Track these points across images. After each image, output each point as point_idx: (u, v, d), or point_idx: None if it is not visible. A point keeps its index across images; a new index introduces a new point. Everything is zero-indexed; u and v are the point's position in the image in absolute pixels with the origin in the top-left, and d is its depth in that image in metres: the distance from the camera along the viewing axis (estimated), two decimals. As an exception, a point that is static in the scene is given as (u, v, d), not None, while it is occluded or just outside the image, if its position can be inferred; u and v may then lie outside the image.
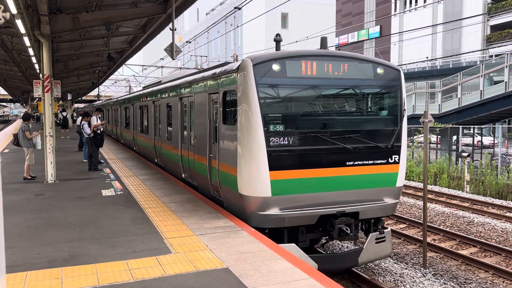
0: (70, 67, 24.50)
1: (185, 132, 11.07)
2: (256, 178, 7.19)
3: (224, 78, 8.20)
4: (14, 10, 9.00)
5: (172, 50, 13.10)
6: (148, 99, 16.13)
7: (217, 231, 6.98)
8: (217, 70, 8.73)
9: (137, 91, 21.86)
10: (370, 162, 7.85)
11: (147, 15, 14.30)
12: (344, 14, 61.65)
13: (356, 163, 7.74)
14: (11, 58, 20.41)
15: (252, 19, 26.18)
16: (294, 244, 7.33)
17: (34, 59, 17.10)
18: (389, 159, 8.03)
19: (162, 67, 44.47)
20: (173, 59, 13.89)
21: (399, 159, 8.10)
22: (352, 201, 7.78)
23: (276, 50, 8.44)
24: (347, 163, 7.68)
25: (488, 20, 51.34)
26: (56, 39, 15.67)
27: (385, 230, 8.40)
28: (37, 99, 38.99)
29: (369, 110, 8.36)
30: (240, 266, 5.49)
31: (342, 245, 10.65)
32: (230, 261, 5.65)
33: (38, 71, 19.73)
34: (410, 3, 61.12)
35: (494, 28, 51.44)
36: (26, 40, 12.82)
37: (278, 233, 7.50)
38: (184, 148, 11.06)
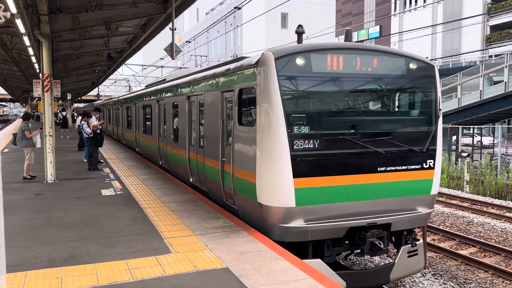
0: (70, 67, 24.51)
1: (194, 134, 10.39)
2: (278, 186, 6.45)
3: (240, 74, 7.47)
4: (14, 10, 9.00)
5: (172, 50, 13.09)
6: (152, 98, 15.41)
7: (217, 231, 6.98)
8: (232, 66, 7.98)
9: (139, 90, 20.97)
10: (403, 167, 7.09)
11: (147, 14, 14.30)
12: (344, 14, 61.61)
13: (388, 168, 6.98)
14: (11, 58, 20.41)
15: (252, 19, 26.20)
16: (319, 260, 6.61)
17: (33, 59, 17.11)
18: (424, 164, 7.25)
19: (162, 66, 44.49)
20: (173, 58, 13.89)
21: (434, 164, 7.33)
22: (384, 211, 7.03)
23: (298, 43, 7.60)
24: (378, 168, 6.92)
25: (488, 20, 51.35)
26: (56, 39, 15.66)
27: (417, 243, 7.61)
28: (36, 98, 38.99)
29: (402, 109, 7.71)
30: (239, 266, 5.49)
31: (365, 258, 10.09)
32: (230, 261, 5.65)
33: (37, 70, 19.73)
34: (410, 3, 61.13)
35: (493, 28, 51.45)
36: (26, 39, 12.82)
37: (300, 247, 6.77)
38: (193, 151, 10.36)
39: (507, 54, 22.86)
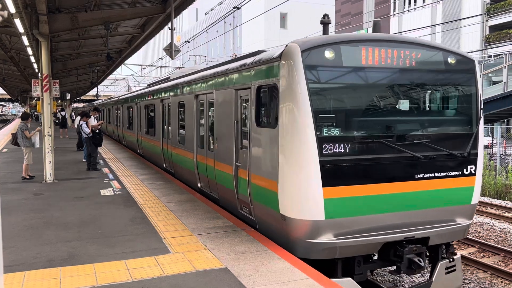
0: (69, 67, 24.51)
1: (202, 135, 9.66)
2: (305, 196, 5.78)
3: (258, 69, 6.74)
4: (12, 9, 8.99)
5: (171, 50, 13.08)
6: (155, 97, 14.68)
7: (216, 231, 6.98)
8: (248, 61, 7.26)
9: (141, 89, 19.98)
10: (442, 174, 6.41)
11: (146, 14, 14.30)
12: (343, 14, 61.66)
13: (426, 175, 6.29)
14: (10, 58, 20.38)
15: (251, 19, 26.21)
16: (349, 279, 6.02)
17: (32, 59, 17.09)
18: (464, 170, 6.56)
19: (161, 66, 44.48)
20: (172, 58, 13.88)
21: (475, 170, 6.64)
22: (421, 223, 6.35)
23: (324, 34, 6.96)
24: (416, 175, 6.23)
25: (487, 21, 51.41)
26: (55, 39, 15.66)
27: (454, 257, 6.92)
28: (35, 98, 38.93)
29: (440, 109, 6.94)
30: (238, 266, 5.49)
31: (389, 271, 9.64)
32: (229, 261, 5.65)
33: (36, 70, 19.72)
34: (409, 3, 61.19)
35: (493, 28, 51.50)
36: (25, 39, 12.81)
37: (327, 264, 6.12)
38: (201, 154, 9.63)
39: (506, 54, 22.89)
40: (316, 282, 4.99)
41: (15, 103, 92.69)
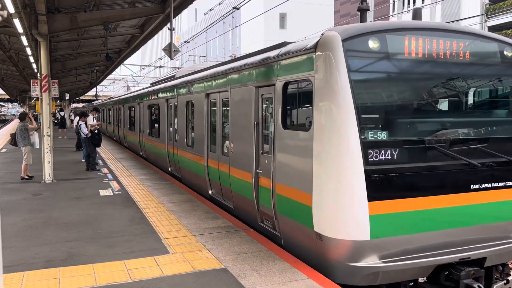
0: (68, 67, 24.51)
1: (215, 138, 8.88)
2: (346, 212, 4.97)
3: (286, 63, 5.95)
4: (12, 9, 8.98)
5: (170, 50, 13.08)
6: (160, 96, 13.83)
7: (215, 231, 6.97)
8: (272, 53, 6.48)
9: (144, 88, 18.94)
10: (501, 184, 5.58)
11: (145, 14, 14.30)
12: (342, 15, 61.70)
13: (483, 186, 5.47)
14: (9, 58, 20.37)
15: (250, 19, 26.23)
16: None
17: (31, 59, 17.08)
18: None
19: (160, 67, 44.48)
20: (171, 59, 13.88)
21: None
22: (477, 241, 5.51)
23: (361, 22, 6.56)
24: (472, 186, 5.40)
25: (486, 21, 51.50)
26: (54, 39, 15.65)
27: (509, 278, 6.02)
28: (34, 98, 38.91)
29: (498, 108, 6.11)
30: (238, 266, 5.48)
31: None
32: (228, 261, 5.65)
33: (36, 70, 19.71)
34: (408, 3, 61.27)
35: (492, 29, 51.50)
36: (24, 39, 12.80)
37: None
38: (213, 158, 8.87)
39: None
40: (315, 282, 4.99)
41: (14, 103, 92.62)
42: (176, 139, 11.79)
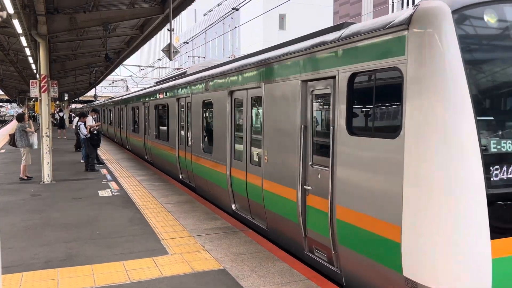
0: (67, 67, 24.51)
1: (242, 144, 7.60)
2: (459, 253, 3.57)
3: (355, 47, 4.59)
4: (11, 10, 8.98)
5: (169, 51, 13.08)
6: (168, 96, 12.65)
7: (214, 232, 6.97)
8: (329, 37, 5.13)
9: (151, 86, 17.49)
10: None
11: (144, 15, 14.31)
12: (341, 16, 61.77)
13: None
14: (8, 58, 20.37)
15: (249, 20, 26.25)
16: None
17: (31, 59, 17.08)
18: None
19: (159, 67, 44.50)
20: (171, 59, 13.87)
21: None
22: None
23: None
24: None
25: (484, 22, 51.54)
26: (53, 39, 15.65)
27: None
28: (33, 99, 38.91)
29: None
30: (237, 267, 5.48)
31: None
32: (227, 262, 5.65)
33: (35, 71, 19.71)
34: (407, 4, 61.34)
35: (490, 30, 51.63)
36: (23, 40, 12.80)
37: None
38: (238, 168, 7.68)
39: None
40: (314, 283, 4.99)
41: (13, 103, 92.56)
42: (189, 143, 10.58)
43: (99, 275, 5.23)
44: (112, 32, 16.76)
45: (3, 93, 55.81)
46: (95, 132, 14.22)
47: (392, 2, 60.71)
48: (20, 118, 12.45)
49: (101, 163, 15.28)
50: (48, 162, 11.69)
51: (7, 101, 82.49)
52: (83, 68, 26.42)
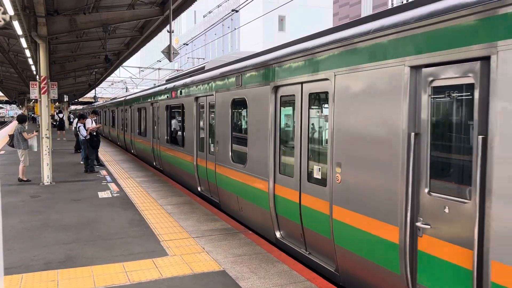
0: (67, 69, 24.54)
1: (292, 154, 5.99)
2: None
3: None
4: (11, 12, 9.00)
5: (169, 52, 13.09)
6: (184, 94, 11.11)
7: (214, 234, 6.97)
8: None
9: (160, 85, 15.80)
10: None
11: (144, 17, 14.33)
12: (341, 17, 61.85)
13: None
14: (8, 60, 20.39)
15: (249, 21, 26.29)
16: None
17: (30, 61, 17.10)
18: None
19: (159, 69, 44.56)
20: (170, 61, 13.89)
21: None
22: None
23: None
24: None
25: (484, 24, 51.59)
26: (53, 41, 15.68)
27: None
28: (33, 100, 38.91)
29: None
30: (236, 268, 5.49)
31: None
32: (227, 264, 5.65)
33: (34, 72, 19.73)
34: (407, 6, 61.35)
35: (490, 32, 51.67)
36: (23, 41, 12.83)
37: None
38: (286, 185, 6.08)
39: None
40: (314, 284, 4.99)
41: (12, 105, 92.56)
42: (212, 150, 9.02)
43: (99, 277, 5.23)
44: (112, 34, 16.79)
45: (2, 94, 55.81)
46: (95, 133, 14.23)
47: (392, 4, 60.74)
48: (21, 119, 12.46)
49: (101, 164, 15.28)
50: (47, 164, 11.69)
51: (6, 102, 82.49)
52: (82, 70, 26.45)
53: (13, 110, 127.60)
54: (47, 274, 5.33)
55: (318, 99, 5.55)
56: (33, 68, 18.99)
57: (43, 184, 11.57)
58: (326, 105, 5.34)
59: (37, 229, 7.27)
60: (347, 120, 4.78)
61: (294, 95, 5.91)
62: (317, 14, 56.37)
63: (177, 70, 40.49)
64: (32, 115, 49.13)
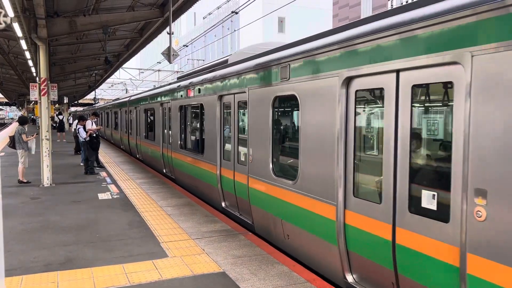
0: (67, 70, 24.55)
1: (379, 172, 4.30)
2: None
3: None
4: (11, 14, 9.01)
5: (169, 54, 13.11)
6: (203, 93, 9.53)
7: (214, 235, 6.98)
8: None
9: (172, 83, 13.70)
10: None
11: (144, 18, 14.35)
12: (341, 19, 61.93)
13: None
14: (8, 61, 20.41)
15: (249, 23, 26.33)
16: None
17: (30, 62, 17.11)
18: None
19: (159, 70, 44.59)
20: (170, 62, 13.90)
21: None
22: None
23: None
24: None
25: (483, 25, 51.62)
26: (53, 42, 15.70)
27: None
28: (33, 102, 38.94)
29: None
30: (236, 270, 5.49)
31: None
32: (227, 265, 5.65)
33: (34, 74, 19.74)
34: (406, 8, 61.43)
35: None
36: (23, 43, 12.84)
37: None
38: (368, 214, 4.41)
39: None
40: (314, 285, 5.00)
41: (12, 106, 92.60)
42: (243, 159, 7.64)
43: (99, 278, 5.23)
44: (111, 35, 16.81)
45: (2, 96, 55.84)
46: (94, 135, 14.24)
47: (391, 6, 60.81)
48: (22, 121, 12.47)
49: (101, 166, 15.29)
50: (47, 165, 11.69)
51: (6, 104, 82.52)
52: (82, 71, 26.47)
53: (13, 112, 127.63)
54: (47, 275, 5.34)
55: (430, 93, 3.97)
56: (33, 69, 19.00)
57: (43, 185, 11.58)
58: (447, 101, 3.72)
59: (37, 231, 7.27)
60: (495, 120, 3.12)
61: (382, 88, 4.29)
62: (317, 16, 56.45)
63: (177, 72, 40.50)
64: (32, 116, 49.15)
